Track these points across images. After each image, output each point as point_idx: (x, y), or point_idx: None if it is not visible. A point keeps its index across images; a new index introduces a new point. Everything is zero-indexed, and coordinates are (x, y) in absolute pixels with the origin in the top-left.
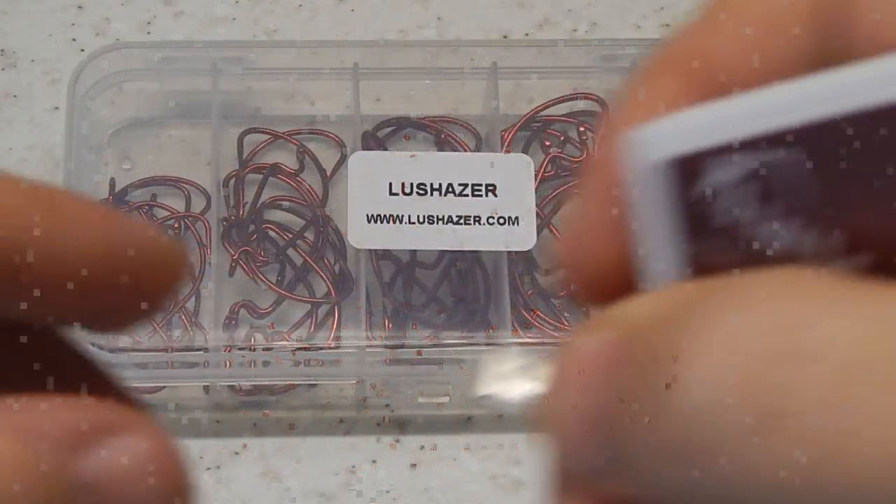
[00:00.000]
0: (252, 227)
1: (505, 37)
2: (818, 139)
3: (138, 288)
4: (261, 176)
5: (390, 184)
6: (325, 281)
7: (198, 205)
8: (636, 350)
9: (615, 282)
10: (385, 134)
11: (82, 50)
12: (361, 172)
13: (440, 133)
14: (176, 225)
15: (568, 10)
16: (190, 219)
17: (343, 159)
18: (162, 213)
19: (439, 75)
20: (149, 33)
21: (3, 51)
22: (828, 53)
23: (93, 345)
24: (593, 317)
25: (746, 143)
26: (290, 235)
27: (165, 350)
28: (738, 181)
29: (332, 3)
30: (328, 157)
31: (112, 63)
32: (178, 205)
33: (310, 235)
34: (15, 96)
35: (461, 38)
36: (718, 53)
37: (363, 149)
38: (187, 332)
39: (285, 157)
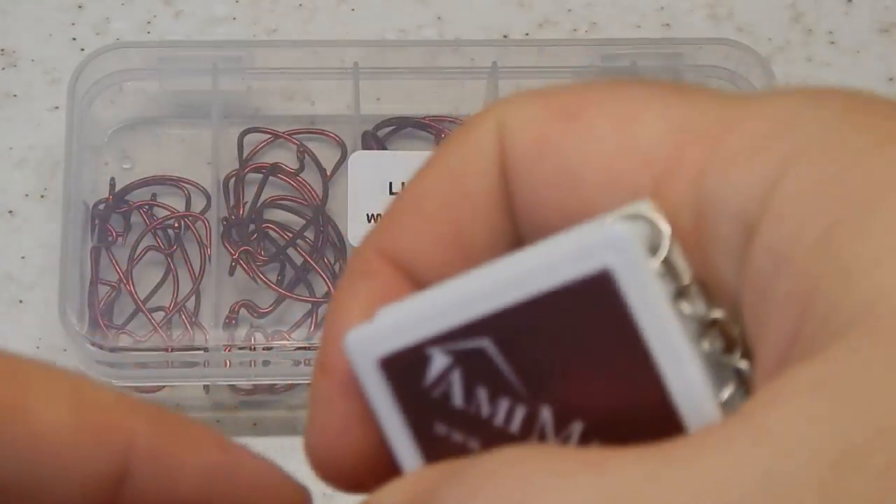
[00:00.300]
0: (252, 227)
1: (505, 36)
2: (501, 326)
3: None
4: (261, 175)
5: (390, 183)
6: (325, 280)
7: (198, 204)
8: None
9: (371, 467)
10: (385, 133)
11: (82, 50)
12: (361, 172)
13: (440, 133)
14: (176, 225)
15: (568, 10)
16: (190, 218)
17: (343, 159)
18: (162, 213)
19: (439, 75)
20: (149, 33)
21: (3, 50)
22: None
23: (93, 344)
24: None
25: (444, 336)
26: (290, 235)
27: (165, 350)
28: (446, 370)
29: (333, 3)
30: (328, 157)
31: (112, 63)
32: (178, 204)
33: (310, 235)
34: (15, 96)
35: (461, 37)
36: (410, 248)
37: (363, 148)
38: (187, 332)
39: (285, 157)
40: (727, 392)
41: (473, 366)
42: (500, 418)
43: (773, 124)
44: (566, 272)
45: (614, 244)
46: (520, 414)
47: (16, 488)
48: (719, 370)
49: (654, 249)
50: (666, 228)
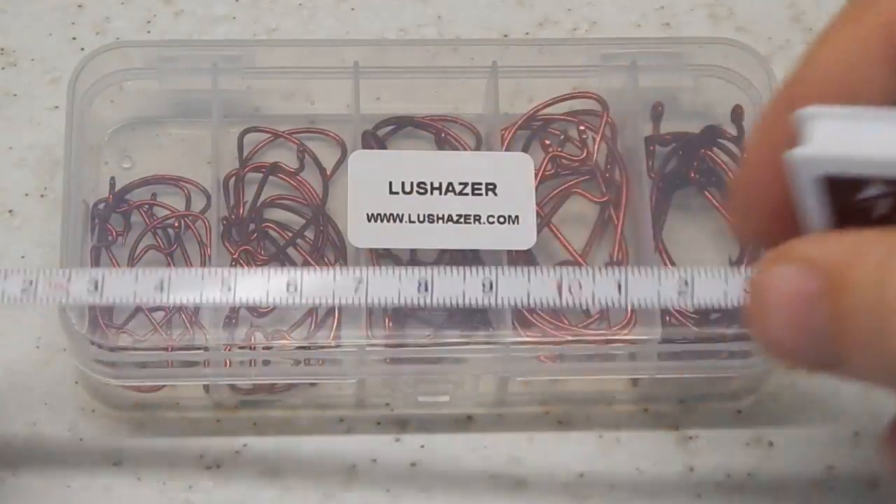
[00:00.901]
0: (252, 226)
1: (505, 35)
2: None
3: None
4: (261, 175)
5: (390, 183)
6: None
7: (198, 204)
8: (852, 282)
9: (773, 218)
10: (385, 133)
11: (82, 49)
12: (361, 171)
13: (440, 132)
14: (176, 224)
15: (568, 9)
16: (190, 218)
17: (343, 158)
18: (162, 213)
19: (439, 74)
20: (149, 32)
21: (3, 50)
22: None
23: (92, 344)
24: (776, 251)
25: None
26: (291, 234)
27: (165, 349)
28: (881, 194)
29: (333, 2)
30: (328, 156)
31: (112, 62)
32: (178, 204)
33: (310, 234)
34: (15, 95)
35: (461, 36)
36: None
37: (363, 147)
38: (187, 332)
39: (285, 156)
40: None
41: None
42: None
43: None
44: None
45: None
46: None
47: None
48: None
49: None
50: None
